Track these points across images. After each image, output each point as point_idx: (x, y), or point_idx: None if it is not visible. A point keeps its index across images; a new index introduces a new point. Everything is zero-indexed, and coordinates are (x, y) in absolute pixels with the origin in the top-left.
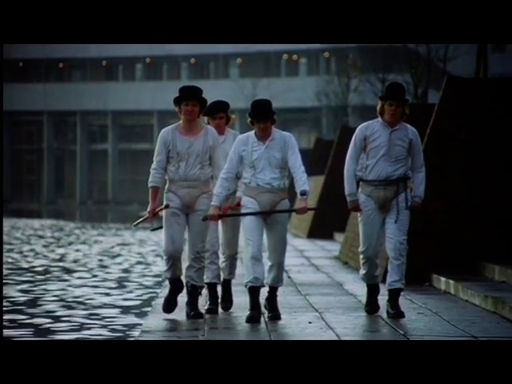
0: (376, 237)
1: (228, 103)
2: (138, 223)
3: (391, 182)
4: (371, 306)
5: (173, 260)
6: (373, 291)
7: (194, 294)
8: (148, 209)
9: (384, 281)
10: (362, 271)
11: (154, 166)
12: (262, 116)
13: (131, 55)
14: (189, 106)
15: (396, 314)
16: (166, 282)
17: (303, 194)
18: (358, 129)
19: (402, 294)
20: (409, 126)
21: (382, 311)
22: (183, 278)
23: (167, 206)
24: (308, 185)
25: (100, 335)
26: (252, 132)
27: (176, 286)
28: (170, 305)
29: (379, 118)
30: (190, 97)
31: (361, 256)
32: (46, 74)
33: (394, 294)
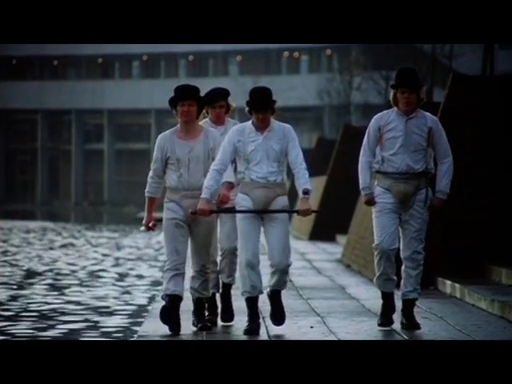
0: (393, 228)
1: (228, 90)
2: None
3: (412, 176)
4: (385, 319)
5: (176, 272)
6: (388, 301)
7: (200, 306)
8: (143, 221)
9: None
10: (377, 272)
11: (150, 174)
12: (261, 106)
13: (128, 52)
14: (185, 106)
15: (410, 325)
16: (163, 285)
17: (305, 192)
18: (372, 119)
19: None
20: (427, 113)
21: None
22: (183, 292)
23: (161, 220)
24: (310, 183)
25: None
26: (249, 122)
27: (174, 304)
28: (172, 324)
29: (395, 108)
30: (185, 96)
31: (375, 251)
32: (40, 71)
33: (408, 305)
